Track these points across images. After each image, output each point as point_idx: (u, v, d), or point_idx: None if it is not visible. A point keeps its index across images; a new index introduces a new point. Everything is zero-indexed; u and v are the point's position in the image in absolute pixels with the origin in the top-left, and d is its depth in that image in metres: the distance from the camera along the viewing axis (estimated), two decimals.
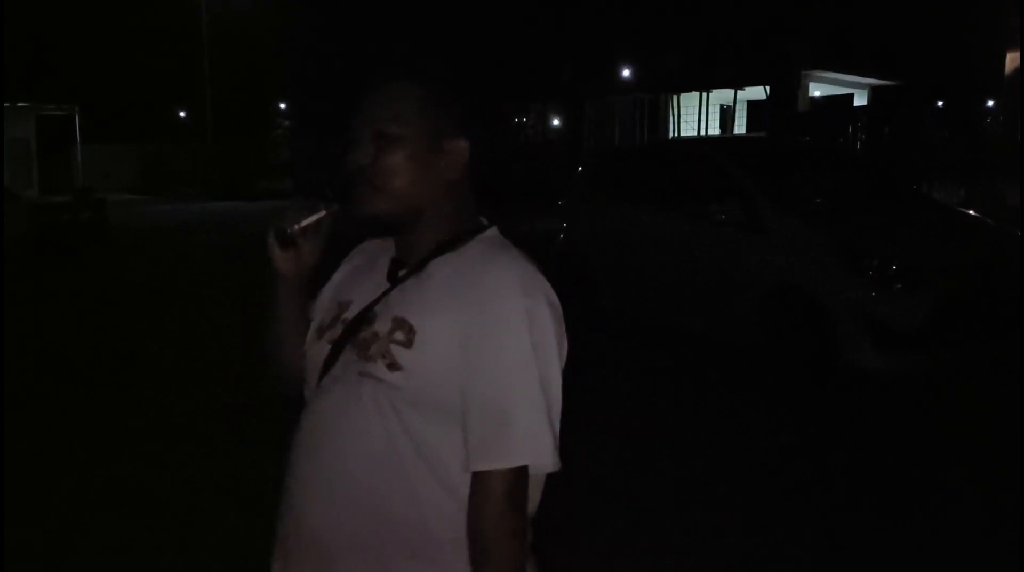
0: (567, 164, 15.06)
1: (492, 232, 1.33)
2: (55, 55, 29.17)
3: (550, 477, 1.24)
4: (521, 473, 1.16)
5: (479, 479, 1.16)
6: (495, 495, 1.14)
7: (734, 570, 3.17)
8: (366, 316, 1.25)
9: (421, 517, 1.19)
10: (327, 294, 1.38)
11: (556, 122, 27.48)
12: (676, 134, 23.28)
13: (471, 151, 1.29)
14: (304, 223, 1.32)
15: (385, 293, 1.27)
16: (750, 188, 5.96)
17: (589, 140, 24.55)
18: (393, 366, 1.19)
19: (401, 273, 1.29)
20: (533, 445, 1.15)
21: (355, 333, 1.25)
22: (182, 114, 39.70)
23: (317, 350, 1.31)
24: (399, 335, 1.19)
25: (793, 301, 5.43)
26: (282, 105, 32.20)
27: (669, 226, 6.69)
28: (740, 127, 24.23)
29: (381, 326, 1.22)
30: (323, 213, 1.32)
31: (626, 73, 23.37)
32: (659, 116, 24.39)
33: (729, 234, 5.98)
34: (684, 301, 6.37)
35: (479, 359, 1.17)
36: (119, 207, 18.50)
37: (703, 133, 22.50)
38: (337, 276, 1.41)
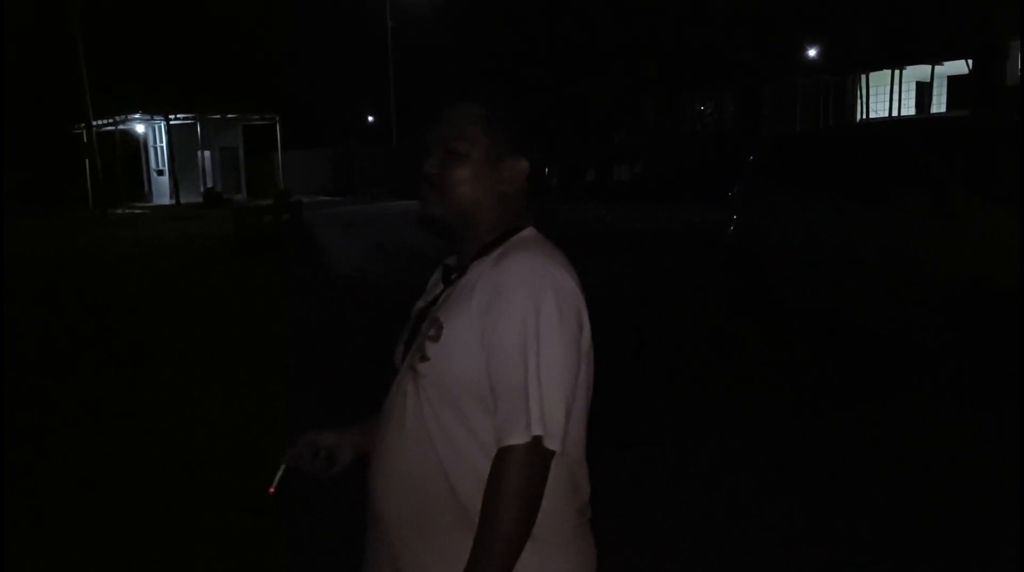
0: (743, 153, 14.58)
1: (527, 232, 1.43)
2: (259, 69, 31.82)
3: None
4: (535, 448, 1.26)
5: (500, 453, 1.28)
6: (511, 465, 1.26)
7: None
8: (423, 319, 1.44)
9: (452, 491, 1.34)
10: (416, 305, 1.54)
11: (733, 110, 26.57)
12: (864, 117, 21.83)
13: (529, 169, 1.45)
14: (276, 483, 1.56)
15: (437, 297, 1.45)
16: (942, 172, 5.50)
17: (768, 127, 23.55)
18: (423, 358, 1.35)
19: (452, 277, 1.45)
20: (541, 421, 1.26)
21: (415, 334, 1.43)
22: (370, 118, 42.15)
23: (397, 352, 1.50)
24: (432, 332, 1.36)
25: (988, 297, 4.97)
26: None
27: (850, 215, 6.31)
28: (939, 106, 22.29)
29: (426, 326, 1.39)
30: (283, 468, 1.56)
31: (810, 53, 22.20)
32: (846, 99, 22.97)
33: (918, 223, 5.55)
34: (866, 297, 6.00)
35: (493, 348, 1.29)
36: (313, 208, 19.92)
37: (896, 115, 20.93)
38: (426, 288, 1.56)
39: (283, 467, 1.56)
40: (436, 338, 1.34)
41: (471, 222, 1.42)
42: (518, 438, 1.26)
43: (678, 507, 3.61)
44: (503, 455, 1.27)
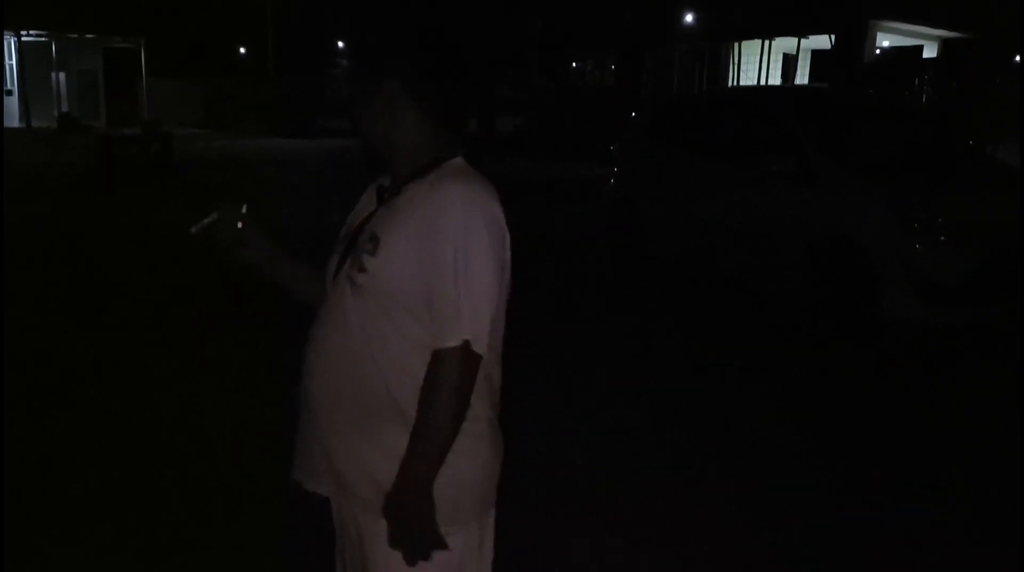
0: (623, 112, 15.05)
1: (457, 161, 1.59)
2: None
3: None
4: (466, 350, 1.45)
5: (436, 355, 1.46)
6: (446, 365, 1.45)
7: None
8: (359, 233, 1.59)
9: (387, 389, 1.51)
10: (350, 218, 1.70)
11: (615, 70, 27.14)
12: (736, 84, 22.89)
13: (411, 92, 1.56)
14: (200, 225, 1.65)
15: (372, 214, 1.61)
16: (803, 138, 6.03)
17: (647, 88, 24.27)
18: (361, 269, 1.51)
19: (386, 196, 1.60)
20: (470, 328, 1.44)
21: (352, 247, 1.59)
22: (243, 51, 40.13)
23: (331, 261, 1.65)
24: (369, 246, 1.52)
25: (839, 251, 5.55)
26: (340, 44, 32.34)
27: (719, 174, 6.79)
28: (803, 78, 23.68)
29: (362, 240, 1.56)
30: (215, 216, 1.65)
31: (687, 19, 22.94)
32: (720, 65, 23.97)
33: (779, 184, 6.08)
34: (730, 249, 6.53)
35: (430, 264, 1.46)
36: (183, 141, 19.01)
37: (764, 83, 22.08)
38: (357, 206, 1.72)
39: (215, 215, 1.64)
40: (373, 252, 1.50)
41: (396, 150, 1.57)
42: (452, 341, 1.44)
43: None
44: (439, 357, 1.45)
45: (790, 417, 4.18)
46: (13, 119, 28.17)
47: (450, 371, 1.45)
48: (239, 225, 1.66)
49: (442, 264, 1.44)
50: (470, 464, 1.57)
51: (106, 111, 29.83)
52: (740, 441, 3.88)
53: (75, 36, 28.20)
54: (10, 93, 28.70)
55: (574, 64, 29.49)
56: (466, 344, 1.44)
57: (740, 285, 6.58)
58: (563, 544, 2.94)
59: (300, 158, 18.72)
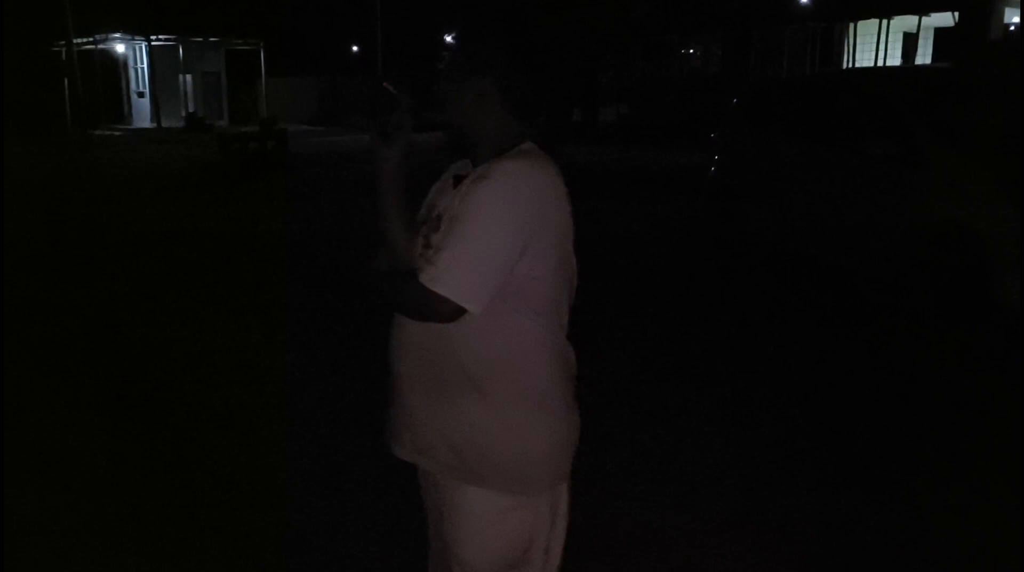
0: (728, 98, 14.72)
1: (526, 145, 1.65)
2: None
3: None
4: (439, 301, 1.52)
5: (419, 282, 1.54)
6: (418, 294, 1.54)
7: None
8: (435, 216, 1.66)
9: (458, 361, 1.60)
10: (425, 203, 1.78)
11: (721, 55, 26.50)
12: (851, 66, 21.95)
13: (502, 93, 1.63)
14: (391, 84, 1.69)
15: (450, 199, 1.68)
16: (911, 121, 5.79)
17: (754, 73, 23.61)
18: (428, 245, 1.60)
19: (456, 182, 1.68)
20: (451, 285, 1.51)
21: (429, 229, 1.66)
22: (355, 49, 41.44)
23: (417, 243, 1.69)
24: (436, 223, 1.62)
25: (948, 236, 5.32)
26: (448, 38, 32.91)
27: (822, 159, 6.60)
28: (925, 57, 22.48)
29: (432, 223, 1.64)
30: (402, 95, 1.68)
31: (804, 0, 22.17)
32: (832, 47, 23.05)
33: (885, 167, 5.87)
34: (832, 236, 6.34)
35: (457, 215, 1.55)
36: (297, 137, 19.82)
37: (881, 64, 21.09)
38: (433, 188, 1.80)
39: (398, 95, 1.67)
40: (437, 228, 1.60)
41: (478, 138, 1.66)
42: (432, 286, 1.52)
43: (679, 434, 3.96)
44: (421, 286, 1.53)
45: (909, 411, 4.07)
46: (145, 119, 30.13)
47: (413, 296, 1.55)
48: (407, 112, 1.68)
49: (459, 218, 1.54)
50: (544, 438, 1.65)
51: (228, 110, 31.49)
52: (861, 433, 3.79)
53: (200, 39, 29.88)
54: (142, 95, 30.70)
55: (682, 51, 28.99)
56: (437, 297, 1.51)
57: (842, 271, 6.38)
58: (645, 525, 2.98)
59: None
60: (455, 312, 1.52)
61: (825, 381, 4.46)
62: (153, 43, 28.83)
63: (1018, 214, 4.96)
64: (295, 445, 3.63)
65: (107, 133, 26.95)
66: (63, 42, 26.53)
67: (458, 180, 1.70)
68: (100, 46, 29.90)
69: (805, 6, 22.14)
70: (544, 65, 1.70)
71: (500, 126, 1.65)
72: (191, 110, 29.42)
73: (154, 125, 28.67)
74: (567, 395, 1.69)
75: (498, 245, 1.52)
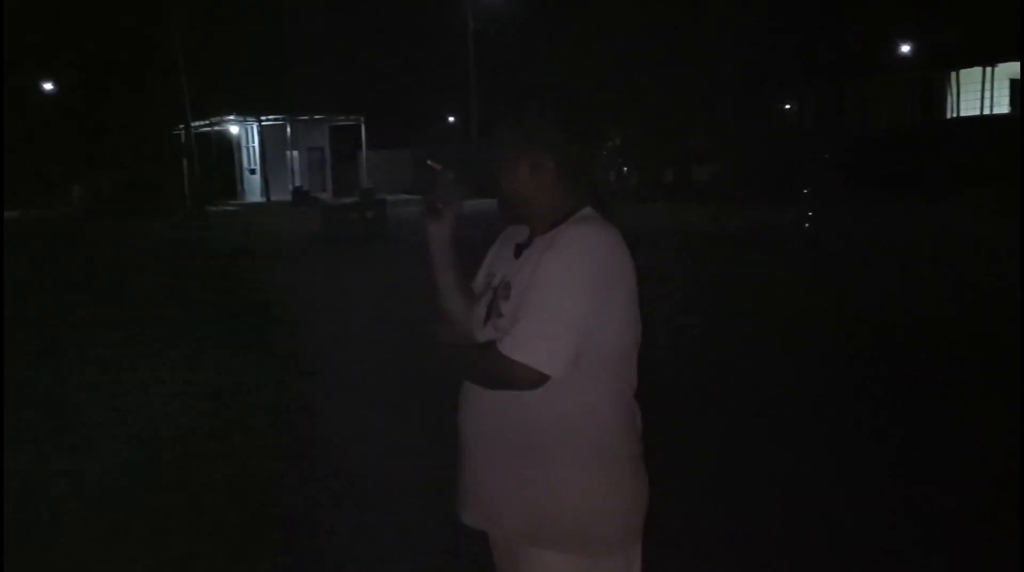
0: (822, 152, 14.47)
1: (586, 210, 1.71)
2: (344, 72, 32.87)
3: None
4: (519, 368, 1.57)
5: (497, 350, 1.60)
6: (497, 362, 1.59)
7: None
8: (501, 284, 1.73)
9: (526, 425, 1.64)
10: (482, 270, 1.86)
11: (816, 108, 26.11)
12: (955, 115, 21.25)
13: (557, 164, 1.71)
14: (434, 163, 1.82)
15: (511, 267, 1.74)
16: (1008, 171, 5.60)
17: (851, 126, 23.13)
18: (499, 314, 1.67)
19: (518, 250, 1.75)
20: (531, 352, 1.56)
21: (495, 298, 1.73)
22: (451, 119, 42.89)
23: (477, 313, 1.79)
24: (504, 292, 1.69)
25: None
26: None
27: (921, 212, 6.41)
28: None
29: (500, 289, 1.72)
30: (445, 169, 1.81)
31: (903, 49, 21.70)
32: (934, 97, 22.38)
33: (991, 220, 5.66)
34: (937, 293, 6.11)
35: (529, 284, 1.61)
36: (396, 206, 20.55)
37: (987, 113, 20.33)
38: (488, 256, 1.88)
39: (441, 172, 1.82)
40: (507, 297, 1.67)
41: (539, 207, 1.72)
42: (513, 354, 1.57)
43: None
44: (499, 353, 1.58)
45: None
46: (256, 194, 31.89)
47: (493, 366, 1.60)
48: (451, 186, 1.83)
49: (532, 288, 1.60)
50: (615, 497, 1.67)
51: (332, 182, 33.01)
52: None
53: (306, 117, 31.64)
54: (253, 172, 32.58)
55: (774, 105, 28.75)
56: (519, 365, 1.57)
57: (952, 333, 6.04)
58: None
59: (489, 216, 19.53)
60: (538, 379, 1.56)
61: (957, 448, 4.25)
62: (263, 123, 30.68)
63: None
64: (370, 517, 3.68)
65: (222, 209, 28.63)
66: (183, 126, 28.58)
67: (519, 249, 1.76)
68: (216, 128, 32.05)
69: (903, 56, 21.68)
70: (595, 134, 1.77)
71: (558, 195, 1.71)
72: (297, 184, 30.97)
73: (264, 199, 30.29)
74: (636, 454, 1.71)
75: (574, 311, 1.57)
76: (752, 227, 14.06)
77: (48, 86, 34.25)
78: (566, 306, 1.57)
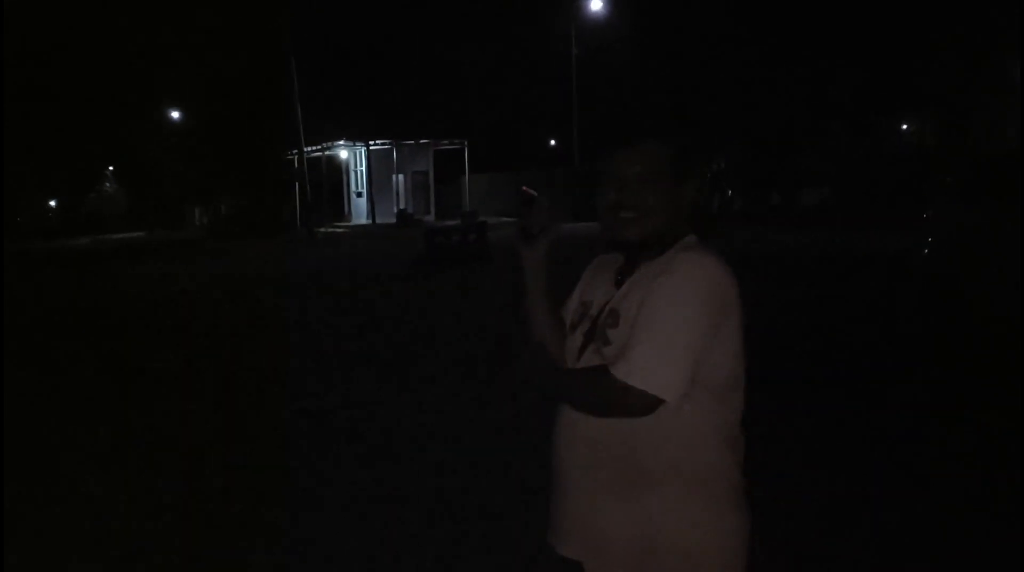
0: (944, 175, 13.73)
1: (689, 238, 1.69)
2: (450, 98, 33.70)
3: None
4: (628, 392, 1.53)
5: (607, 371, 1.57)
6: (607, 387, 1.56)
7: None
8: (602, 313, 1.70)
9: (633, 453, 1.61)
10: (575, 298, 1.83)
11: (937, 129, 24.91)
12: None
13: (696, 192, 1.71)
14: (529, 192, 1.80)
15: (611, 296, 1.71)
16: None
17: (976, 147, 21.90)
18: (606, 342, 1.63)
19: (620, 278, 1.72)
20: (642, 375, 1.53)
21: (596, 325, 1.70)
22: (552, 142, 43.19)
23: (572, 341, 1.76)
24: (610, 320, 1.65)
25: None
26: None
27: None
28: None
29: (602, 319, 1.69)
30: (540, 198, 1.79)
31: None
32: None
33: None
34: None
35: (642, 310, 1.58)
36: (497, 228, 20.76)
37: None
38: (580, 285, 1.85)
39: (536, 194, 1.82)
40: (615, 325, 1.63)
41: (660, 237, 1.67)
42: (624, 377, 1.54)
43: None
44: (612, 377, 1.55)
45: None
46: (361, 216, 32.89)
47: (606, 391, 1.56)
48: (546, 212, 1.82)
49: (646, 313, 1.57)
50: (722, 529, 1.61)
51: (435, 205, 33.70)
52: None
53: (411, 142, 32.49)
54: (360, 194, 33.60)
55: (891, 126, 27.61)
56: (634, 390, 1.53)
57: None
58: None
59: (591, 241, 19.45)
60: (652, 405, 1.54)
61: None
62: (371, 147, 31.67)
63: None
64: (453, 549, 3.64)
65: (330, 230, 29.63)
66: (296, 151, 29.81)
67: (620, 276, 1.73)
68: (327, 153, 33.29)
69: None
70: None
71: (678, 222, 1.70)
72: (402, 206, 31.75)
73: (370, 221, 31.18)
74: (739, 486, 1.65)
75: (690, 337, 1.54)
76: (866, 253, 13.46)
77: (175, 114, 36.44)
78: (682, 332, 1.55)
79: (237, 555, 3.49)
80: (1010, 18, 19.37)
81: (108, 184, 43.87)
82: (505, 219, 29.46)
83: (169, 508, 4.04)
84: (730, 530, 1.63)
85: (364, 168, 32.37)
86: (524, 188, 1.83)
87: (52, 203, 42.63)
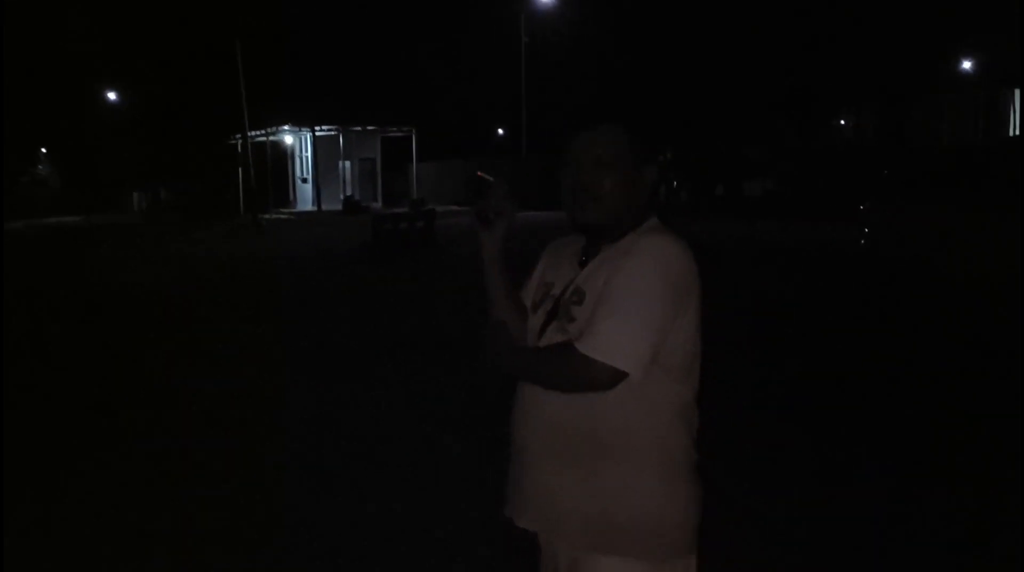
0: (882, 169, 14.13)
1: (652, 221, 1.74)
2: (397, 85, 33.36)
3: None
4: (592, 365, 1.56)
5: (571, 346, 1.60)
6: (570, 360, 1.59)
7: None
8: (566, 292, 1.73)
9: (594, 429, 1.64)
10: (534, 280, 1.86)
11: (875, 125, 25.61)
12: (1019, 133, 20.60)
13: (656, 176, 1.75)
14: (484, 176, 1.79)
15: (576, 276, 1.74)
16: None
17: (912, 143, 22.60)
18: (570, 320, 1.67)
19: (583, 260, 1.75)
20: (606, 350, 1.56)
21: (559, 304, 1.73)
22: (500, 131, 43.13)
23: (534, 320, 1.79)
24: (575, 297, 1.69)
25: None
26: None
27: (996, 229, 6.19)
28: None
29: (567, 297, 1.72)
30: (495, 179, 1.79)
31: (964, 65, 21.16)
32: (999, 114, 21.76)
33: None
34: (1010, 313, 5.88)
35: (607, 288, 1.62)
36: (445, 217, 20.67)
37: None
38: (540, 267, 1.88)
39: (493, 179, 1.81)
40: (580, 302, 1.66)
41: (619, 222, 1.71)
42: (589, 352, 1.57)
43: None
44: (573, 349, 1.58)
45: None
46: (307, 203, 32.41)
47: (571, 365, 1.59)
48: (504, 197, 1.81)
49: (611, 291, 1.60)
50: (679, 503, 1.66)
51: (383, 193, 33.39)
52: None
53: (359, 129, 32.09)
54: (305, 181, 33.13)
55: (831, 121, 28.30)
56: (598, 364, 1.56)
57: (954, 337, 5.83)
58: None
59: (538, 228, 19.56)
60: (616, 378, 1.57)
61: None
62: (317, 133, 31.19)
63: None
64: (411, 509, 3.69)
65: (274, 217, 29.11)
66: (239, 135, 29.19)
67: (584, 258, 1.76)
68: (271, 138, 32.68)
69: (965, 74, 21.13)
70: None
71: (639, 207, 1.74)
72: (349, 193, 31.38)
73: (316, 208, 30.75)
74: (693, 461, 1.70)
75: (654, 313, 1.58)
76: (804, 242, 13.79)
77: (112, 95, 35.35)
78: (646, 308, 1.59)
79: (237, 556, 3.43)
80: (950, 19, 19.97)
81: (41, 166, 42.37)
82: (454, 207, 29.37)
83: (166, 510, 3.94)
84: (684, 501, 1.67)
85: (310, 154, 31.89)
86: (479, 173, 1.84)
87: None
